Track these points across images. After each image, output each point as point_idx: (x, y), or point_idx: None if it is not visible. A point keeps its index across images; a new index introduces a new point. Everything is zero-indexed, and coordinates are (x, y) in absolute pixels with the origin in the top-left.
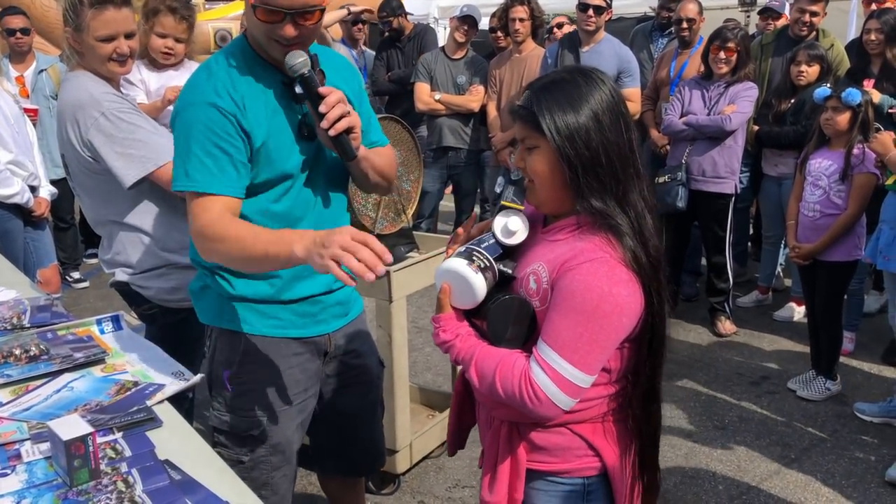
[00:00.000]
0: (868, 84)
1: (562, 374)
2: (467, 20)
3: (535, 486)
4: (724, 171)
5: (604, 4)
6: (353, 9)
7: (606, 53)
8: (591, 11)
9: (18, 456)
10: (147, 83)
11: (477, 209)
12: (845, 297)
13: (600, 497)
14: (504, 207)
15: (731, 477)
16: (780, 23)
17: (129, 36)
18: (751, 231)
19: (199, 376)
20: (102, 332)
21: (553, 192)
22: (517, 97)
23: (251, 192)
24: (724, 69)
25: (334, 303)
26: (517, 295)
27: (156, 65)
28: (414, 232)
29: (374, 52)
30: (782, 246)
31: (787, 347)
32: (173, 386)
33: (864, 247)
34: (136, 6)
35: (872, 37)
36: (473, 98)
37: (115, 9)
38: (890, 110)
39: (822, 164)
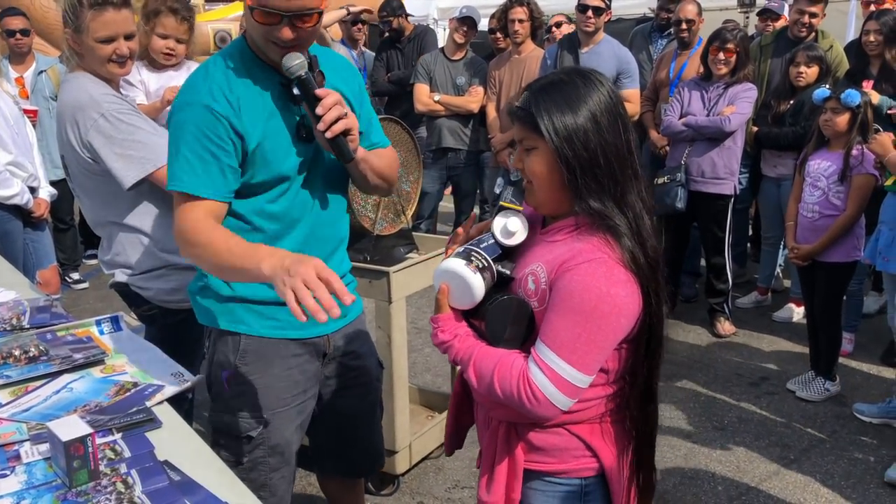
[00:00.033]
0: (867, 85)
1: (560, 375)
2: (466, 21)
3: (533, 486)
4: (723, 172)
5: (603, 5)
6: (352, 9)
7: (605, 54)
8: (590, 13)
9: (18, 457)
10: (146, 84)
11: (476, 210)
12: (844, 297)
13: (598, 498)
14: (503, 208)
15: (731, 477)
16: (779, 24)
17: (128, 37)
18: (750, 232)
19: (198, 377)
20: (102, 332)
21: (551, 193)
22: (516, 98)
23: (248, 192)
24: (724, 70)
25: None
26: (515, 295)
27: (155, 65)
28: (413, 233)
29: (373, 53)
30: (781, 247)
31: (786, 348)
32: (173, 387)
33: (864, 248)
34: (136, 7)
35: (871, 38)
36: (473, 99)
37: (115, 10)
38: (889, 111)
39: (821, 165)
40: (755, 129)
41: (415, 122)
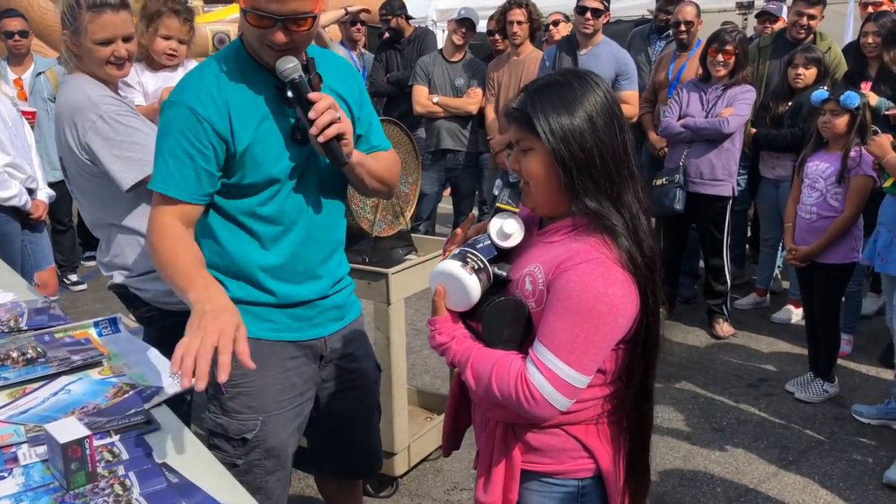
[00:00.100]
0: (865, 87)
1: (558, 375)
2: (465, 23)
3: (530, 486)
4: (721, 173)
5: (602, 7)
6: (350, 9)
7: (604, 56)
8: (588, 14)
9: (15, 459)
10: (145, 85)
11: (475, 211)
12: (843, 299)
13: (595, 499)
14: (500, 210)
15: (730, 479)
16: (778, 26)
17: (126, 39)
18: (749, 233)
19: None
20: (100, 334)
21: (548, 194)
22: (514, 100)
23: (239, 194)
24: (722, 72)
25: (331, 306)
26: (512, 297)
27: (153, 66)
28: (412, 234)
29: (373, 55)
30: (780, 248)
31: (784, 349)
32: (171, 389)
33: (862, 249)
34: (134, 9)
35: (870, 40)
36: (471, 101)
37: (113, 12)
38: (887, 112)
39: (820, 167)
40: (753, 130)
41: (413, 123)
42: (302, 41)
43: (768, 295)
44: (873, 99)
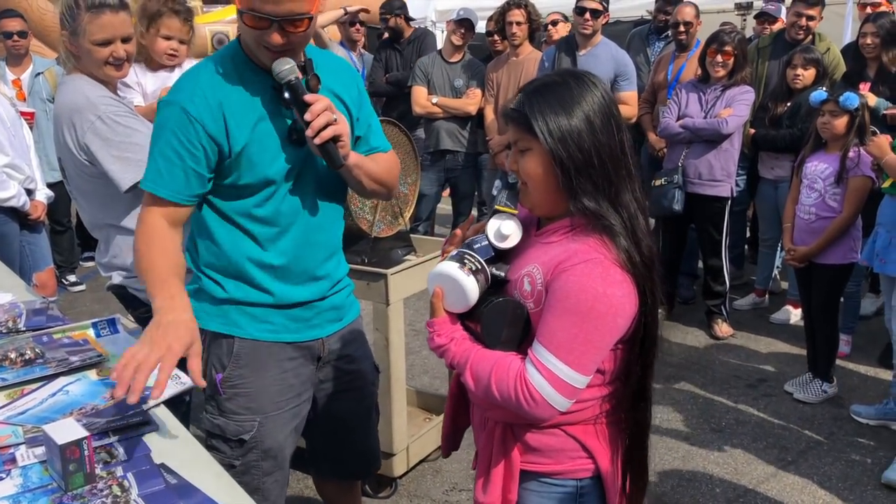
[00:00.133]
0: (864, 87)
1: (557, 375)
2: (464, 23)
3: (529, 486)
4: (720, 174)
5: (601, 8)
6: (349, 9)
7: (603, 57)
8: (587, 15)
9: (13, 460)
10: (144, 85)
11: (474, 212)
12: (842, 299)
13: (594, 500)
14: (497, 211)
15: (729, 479)
16: (776, 26)
17: (125, 40)
18: (748, 234)
19: None
20: (98, 335)
21: (546, 195)
22: (513, 100)
23: (235, 195)
24: (721, 73)
25: (329, 307)
26: (511, 297)
27: (152, 66)
28: (411, 235)
29: (372, 56)
30: (779, 249)
31: (783, 350)
32: (170, 389)
33: (861, 250)
34: (133, 10)
35: (868, 40)
36: (470, 101)
37: (112, 12)
38: (886, 112)
39: (818, 168)
40: (752, 131)
41: (412, 123)
42: (299, 42)
43: (767, 295)
44: (872, 99)
